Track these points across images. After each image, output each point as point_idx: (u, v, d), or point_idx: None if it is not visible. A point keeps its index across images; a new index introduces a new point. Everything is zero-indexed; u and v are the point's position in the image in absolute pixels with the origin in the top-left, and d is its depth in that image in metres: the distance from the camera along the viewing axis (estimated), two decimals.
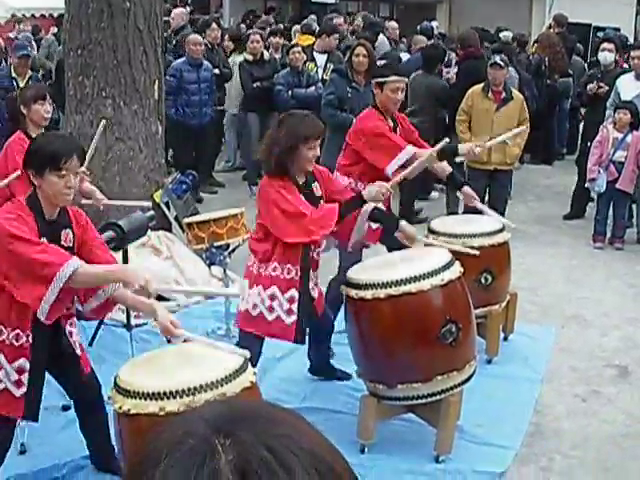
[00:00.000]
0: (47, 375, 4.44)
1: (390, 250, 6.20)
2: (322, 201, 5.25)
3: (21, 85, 9.55)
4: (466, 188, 6.57)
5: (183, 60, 10.93)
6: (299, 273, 5.18)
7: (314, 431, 1.07)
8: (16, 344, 4.21)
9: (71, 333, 4.48)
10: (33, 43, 12.31)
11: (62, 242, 4.24)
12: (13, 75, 9.68)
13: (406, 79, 6.48)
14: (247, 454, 0.97)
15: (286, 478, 0.96)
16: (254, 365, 5.12)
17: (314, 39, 12.19)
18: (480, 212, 6.77)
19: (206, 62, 11.01)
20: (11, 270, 4.02)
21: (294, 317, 5.22)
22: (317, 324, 5.63)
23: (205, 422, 1.03)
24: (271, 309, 5.21)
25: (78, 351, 4.53)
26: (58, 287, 3.93)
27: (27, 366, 4.25)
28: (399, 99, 6.34)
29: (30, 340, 4.21)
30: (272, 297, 5.19)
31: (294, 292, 5.19)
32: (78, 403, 4.73)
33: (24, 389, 4.27)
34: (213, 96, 11.10)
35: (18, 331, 4.20)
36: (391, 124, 6.38)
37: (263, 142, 5.35)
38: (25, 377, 4.26)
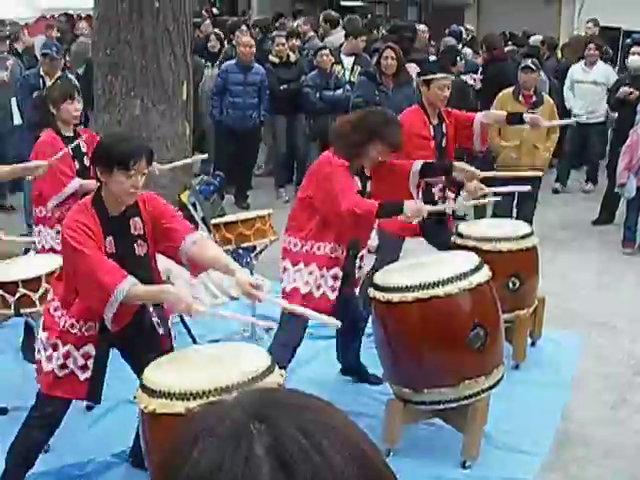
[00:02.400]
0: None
1: (431, 243, 6.35)
2: (369, 182, 5.42)
3: (48, 84, 9.58)
4: (468, 185, 6.40)
5: (233, 61, 10.92)
6: (344, 252, 5.33)
7: (352, 423, 1.06)
8: (86, 334, 4.35)
9: (153, 312, 4.52)
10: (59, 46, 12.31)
11: (132, 231, 4.34)
12: (41, 73, 9.72)
13: (452, 76, 6.49)
14: (283, 438, 0.96)
15: (321, 462, 0.95)
16: (298, 344, 5.36)
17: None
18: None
19: (257, 65, 10.94)
20: (75, 278, 4.20)
21: (336, 293, 5.36)
22: (349, 317, 5.63)
23: (240, 407, 1.02)
24: (319, 286, 5.33)
25: (161, 330, 4.55)
26: (114, 305, 4.05)
27: (93, 352, 4.38)
28: (446, 96, 6.39)
29: (97, 328, 4.33)
30: (321, 274, 5.32)
31: (338, 270, 5.33)
32: None
33: (89, 373, 4.40)
34: (262, 101, 10.90)
35: (90, 323, 4.33)
36: (436, 121, 6.42)
37: (339, 124, 5.43)
38: (91, 362, 4.39)
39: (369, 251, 6.01)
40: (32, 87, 9.68)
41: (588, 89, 11.80)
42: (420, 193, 6.04)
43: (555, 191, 11.96)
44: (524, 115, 6.72)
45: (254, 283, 4.21)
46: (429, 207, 5.38)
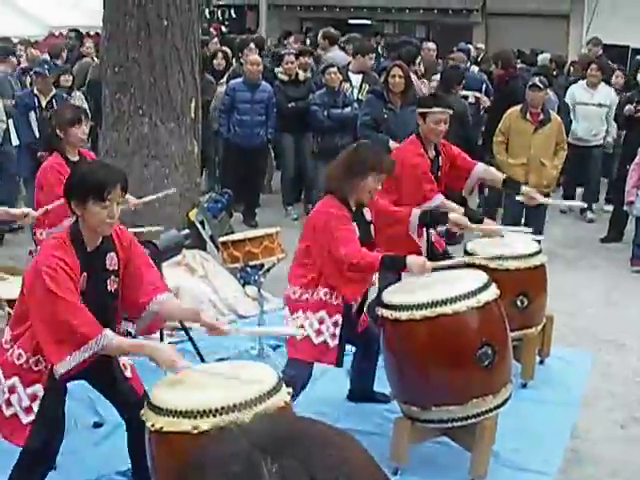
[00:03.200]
0: (74, 392, 4.41)
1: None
2: (372, 226, 5.39)
3: (43, 103, 9.61)
4: (484, 225, 6.35)
5: (240, 80, 10.95)
6: (343, 300, 5.27)
7: (367, 459, 1.03)
8: (35, 369, 4.15)
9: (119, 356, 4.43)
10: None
11: (108, 266, 4.21)
12: (35, 92, 9.73)
13: (450, 111, 6.38)
14: None
15: None
16: (302, 389, 5.24)
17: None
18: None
19: (265, 83, 10.95)
20: (39, 320, 3.99)
21: (337, 341, 5.29)
22: (363, 344, 5.67)
23: (251, 442, 0.99)
24: (319, 333, 5.27)
25: (128, 373, 4.48)
26: (84, 356, 3.93)
27: (40, 393, 4.17)
28: (441, 130, 6.27)
29: (49, 367, 4.12)
30: (321, 321, 5.26)
31: (339, 317, 5.27)
32: (130, 423, 4.57)
33: (32, 417, 4.17)
34: (270, 118, 10.89)
35: (39, 357, 4.12)
36: (433, 154, 6.36)
37: (332, 167, 5.41)
38: (36, 405, 4.16)
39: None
40: (27, 106, 9.69)
41: (592, 111, 11.38)
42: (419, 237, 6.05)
43: (563, 211, 11.89)
44: (522, 187, 6.68)
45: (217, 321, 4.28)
46: (433, 264, 5.26)
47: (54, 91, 9.81)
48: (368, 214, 5.39)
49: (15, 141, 10.05)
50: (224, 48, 13.66)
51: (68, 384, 4.34)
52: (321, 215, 5.19)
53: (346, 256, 5.00)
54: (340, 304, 5.27)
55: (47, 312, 3.93)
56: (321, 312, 5.25)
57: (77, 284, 4.02)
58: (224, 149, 11.27)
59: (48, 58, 12.72)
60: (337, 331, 5.28)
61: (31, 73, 9.93)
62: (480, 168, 6.57)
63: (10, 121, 10.02)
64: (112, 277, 4.24)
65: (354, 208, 5.26)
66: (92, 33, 15.99)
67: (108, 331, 3.97)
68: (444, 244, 6.70)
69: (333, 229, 5.07)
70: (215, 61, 12.15)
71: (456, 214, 5.89)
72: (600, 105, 11.35)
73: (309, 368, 5.40)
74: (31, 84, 10.45)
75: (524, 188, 6.68)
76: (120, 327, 4.38)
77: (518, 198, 6.76)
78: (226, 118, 10.81)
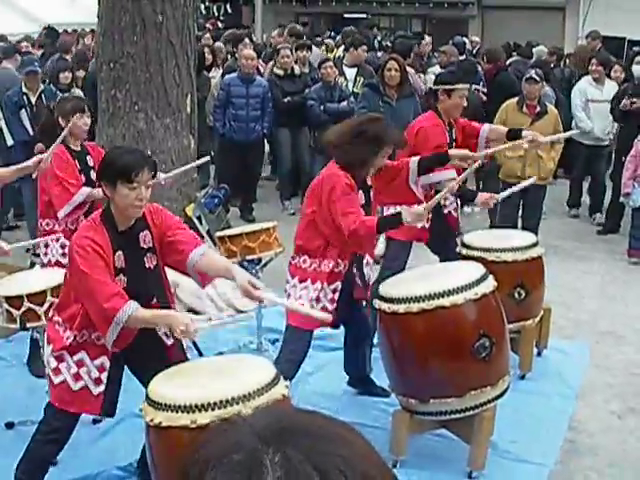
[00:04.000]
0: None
1: (435, 253, 6.39)
2: (371, 191, 5.46)
3: (32, 99, 9.60)
4: (479, 196, 6.54)
5: (235, 74, 10.93)
6: (347, 266, 5.36)
7: (370, 450, 1.03)
8: (97, 343, 4.33)
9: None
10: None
11: (142, 245, 4.36)
12: (24, 90, 9.70)
13: (469, 86, 6.63)
14: (295, 474, 0.94)
15: None
16: (303, 359, 5.35)
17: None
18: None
19: (260, 78, 10.94)
20: (80, 296, 4.23)
21: (335, 304, 5.37)
22: (354, 328, 5.72)
23: (254, 433, 1.00)
24: (318, 300, 5.33)
25: (168, 341, 4.53)
26: (117, 329, 4.09)
27: (107, 365, 4.37)
28: (464, 105, 6.60)
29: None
30: (320, 289, 5.33)
31: (339, 283, 5.36)
32: None
33: (102, 387, 4.39)
34: (266, 113, 10.89)
35: (99, 333, 4.28)
36: (447, 129, 6.53)
37: (338, 133, 5.44)
38: (105, 376, 4.38)
39: (376, 262, 6.03)
40: (17, 105, 9.66)
41: (605, 108, 10.78)
42: (423, 194, 6.12)
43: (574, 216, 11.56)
44: (523, 131, 6.74)
45: (253, 282, 4.22)
46: (425, 205, 5.32)
47: (42, 87, 9.79)
48: (369, 179, 5.44)
49: (10, 141, 10.01)
50: (217, 43, 13.67)
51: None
52: (328, 183, 5.20)
53: (349, 233, 5.06)
54: (341, 271, 5.35)
55: (82, 291, 4.17)
56: (319, 281, 5.32)
57: (109, 262, 4.18)
58: (220, 144, 11.25)
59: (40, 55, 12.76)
60: (336, 296, 5.36)
61: (23, 72, 9.85)
62: (486, 128, 6.75)
63: (2, 122, 9.98)
64: (148, 254, 4.38)
65: (360, 175, 5.29)
66: (88, 30, 15.98)
67: (131, 303, 4.08)
68: (455, 221, 6.75)
69: (337, 200, 5.11)
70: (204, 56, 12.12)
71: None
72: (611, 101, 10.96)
73: (308, 336, 5.44)
74: (45, 82, 10.41)
75: (525, 132, 6.74)
76: (174, 307, 4.54)
77: (475, 207, 6.89)
78: (221, 113, 10.79)
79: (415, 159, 5.95)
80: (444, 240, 6.51)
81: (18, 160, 6.90)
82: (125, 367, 4.55)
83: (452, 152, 6.12)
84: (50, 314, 4.58)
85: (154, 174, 4.40)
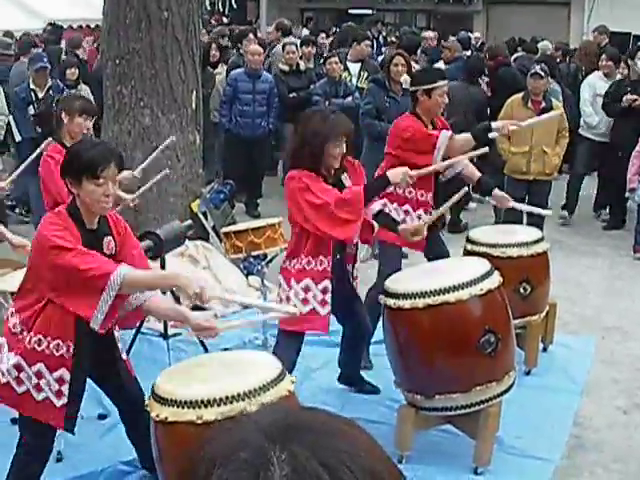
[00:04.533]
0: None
1: (430, 260, 6.18)
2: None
3: (40, 95, 9.60)
4: (496, 191, 6.45)
5: (242, 70, 10.93)
6: (331, 263, 5.23)
7: (374, 445, 1.03)
8: (56, 354, 4.16)
9: (117, 338, 4.50)
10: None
11: (105, 250, 4.19)
12: (32, 87, 9.70)
13: (447, 82, 6.46)
14: (302, 471, 0.94)
15: None
16: (294, 365, 5.24)
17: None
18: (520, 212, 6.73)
19: (266, 73, 10.95)
20: (59, 282, 3.97)
21: (328, 308, 5.28)
22: (351, 327, 5.70)
23: (261, 431, 1.00)
24: (306, 302, 5.24)
25: (124, 355, 4.54)
26: (110, 296, 3.90)
27: (67, 377, 4.21)
28: (445, 102, 6.34)
29: (71, 351, 4.17)
30: (306, 289, 5.24)
31: (327, 283, 5.24)
32: (125, 409, 4.65)
33: (64, 400, 4.23)
34: (272, 109, 10.88)
35: (59, 341, 4.14)
36: (430, 128, 6.30)
37: (290, 142, 5.41)
38: (65, 388, 4.21)
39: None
40: (24, 101, 9.67)
41: None
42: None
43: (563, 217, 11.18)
44: (493, 124, 6.63)
45: (207, 322, 4.07)
46: (414, 172, 5.31)
47: (49, 83, 9.79)
48: (347, 180, 5.32)
49: (18, 138, 10.05)
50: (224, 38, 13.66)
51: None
52: (295, 177, 5.11)
53: (335, 201, 4.96)
54: (326, 269, 5.22)
55: (60, 268, 3.92)
56: (306, 280, 5.22)
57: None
58: (226, 140, 11.26)
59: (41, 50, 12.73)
60: (327, 297, 5.26)
61: (33, 68, 9.84)
62: (465, 160, 6.40)
63: (10, 118, 10.00)
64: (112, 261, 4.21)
65: (330, 175, 5.21)
66: (93, 26, 15.98)
67: (122, 267, 3.95)
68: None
69: (307, 185, 5.02)
70: (210, 52, 12.10)
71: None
72: None
73: (299, 341, 5.39)
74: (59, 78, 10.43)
75: (494, 124, 6.61)
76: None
77: (490, 200, 6.78)
78: (227, 109, 10.80)
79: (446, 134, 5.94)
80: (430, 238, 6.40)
81: (26, 156, 6.95)
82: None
83: (413, 173, 5.55)
84: (7, 317, 4.31)
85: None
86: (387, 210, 5.94)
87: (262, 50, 11.12)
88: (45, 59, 10.00)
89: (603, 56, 11.08)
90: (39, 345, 4.14)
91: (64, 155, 4.40)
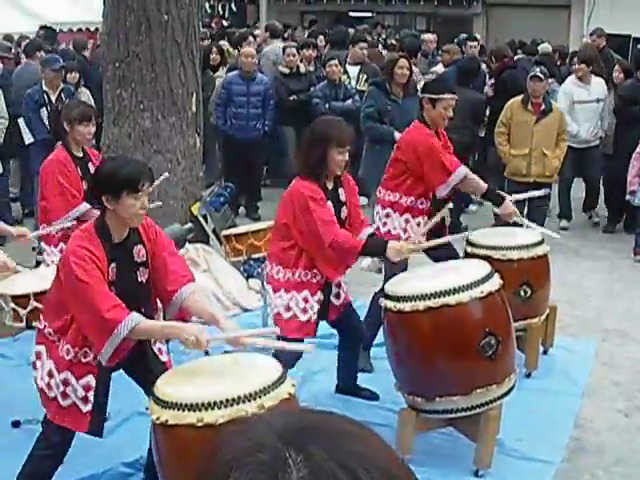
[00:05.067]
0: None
1: (436, 261, 6.21)
2: (345, 207, 5.43)
3: (52, 98, 9.61)
4: (506, 203, 6.40)
5: (236, 72, 10.93)
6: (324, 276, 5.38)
7: (386, 446, 1.04)
8: (83, 361, 4.28)
9: (154, 341, 4.54)
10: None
11: (136, 259, 4.32)
12: (44, 89, 9.70)
13: (457, 96, 6.44)
14: (320, 472, 0.94)
15: None
16: (293, 365, 5.25)
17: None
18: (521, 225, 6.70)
19: (261, 75, 10.93)
20: (74, 307, 4.15)
21: (317, 315, 5.44)
22: (345, 332, 5.75)
23: (275, 433, 0.99)
24: (305, 311, 5.38)
25: (163, 357, 4.57)
26: (117, 342, 4.05)
27: (93, 383, 4.31)
28: (450, 116, 6.34)
29: (95, 358, 4.26)
30: (306, 299, 5.37)
31: (320, 294, 5.40)
32: None
33: (90, 406, 4.33)
34: (267, 111, 10.88)
35: (86, 349, 4.26)
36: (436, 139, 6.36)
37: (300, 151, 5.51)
38: (91, 394, 4.32)
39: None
40: (37, 103, 9.68)
41: (592, 109, 10.35)
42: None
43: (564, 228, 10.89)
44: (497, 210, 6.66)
45: (236, 329, 4.29)
46: (411, 246, 5.45)
47: (62, 85, 9.81)
48: (343, 195, 5.44)
49: (29, 139, 10.04)
50: (222, 42, 13.67)
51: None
52: (299, 195, 5.23)
53: (328, 236, 5.11)
54: (320, 281, 5.38)
55: (80, 301, 4.08)
56: (305, 291, 5.36)
57: (105, 274, 4.13)
58: (222, 142, 11.24)
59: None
60: (318, 308, 5.42)
61: (50, 68, 9.84)
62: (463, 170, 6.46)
63: (20, 120, 10.00)
64: (141, 269, 4.35)
65: (330, 186, 5.33)
66: (92, 29, 15.99)
67: (135, 315, 4.07)
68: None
69: (312, 210, 5.14)
70: (211, 56, 12.11)
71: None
72: (598, 100, 10.39)
73: (295, 359, 5.41)
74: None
75: (507, 203, 6.48)
76: (157, 317, 4.50)
77: (496, 210, 6.72)
78: (222, 111, 10.79)
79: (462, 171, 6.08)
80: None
81: (38, 158, 7.01)
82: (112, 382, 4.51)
83: (411, 247, 5.59)
84: (40, 326, 4.47)
85: (152, 182, 4.41)
86: (389, 219, 6.25)
87: (255, 52, 11.09)
88: (61, 60, 10.01)
89: (575, 59, 10.92)
90: (67, 354, 4.27)
91: (95, 174, 4.53)
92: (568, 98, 10.31)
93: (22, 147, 10.07)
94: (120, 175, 4.17)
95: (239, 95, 10.68)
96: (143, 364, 4.49)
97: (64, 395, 4.32)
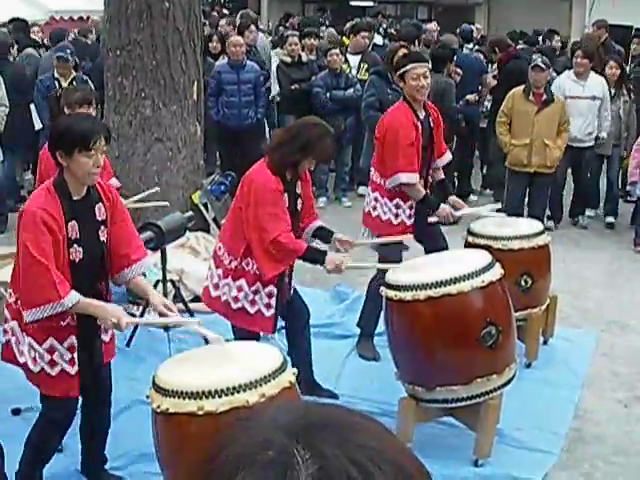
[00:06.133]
0: None
1: (427, 253, 6.20)
2: (300, 199, 5.43)
3: (64, 85, 9.62)
4: (442, 206, 6.27)
5: (225, 61, 10.90)
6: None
7: (394, 438, 1.02)
8: (63, 324, 4.27)
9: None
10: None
11: (97, 217, 4.34)
12: (56, 75, 9.76)
13: (427, 64, 6.35)
14: (330, 467, 0.93)
15: None
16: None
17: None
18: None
19: (251, 63, 10.87)
20: (20, 266, 4.18)
21: (272, 310, 5.38)
22: (290, 316, 5.74)
23: (282, 430, 0.98)
24: (253, 303, 5.34)
25: (105, 337, 4.56)
26: (42, 315, 4.10)
27: (76, 343, 4.32)
28: (423, 85, 6.10)
29: (75, 317, 4.28)
30: (255, 292, 5.34)
31: (272, 288, 5.35)
32: (86, 394, 4.63)
33: (77, 367, 4.35)
34: (259, 98, 10.83)
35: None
36: (423, 114, 6.25)
37: (277, 135, 5.47)
38: (76, 355, 4.33)
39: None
40: (48, 90, 9.72)
41: (585, 105, 9.80)
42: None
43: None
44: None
45: (168, 305, 4.34)
46: (351, 263, 5.42)
47: (74, 74, 9.84)
48: (299, 187, 5.42)
49: (38, 125, 10.10)
50: (223, 29, 13.62)
51: None
52: (258, 186, 5.15)
53: (273, 232, 5.07)
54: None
55: (24, 264, 4.12)
56: (257, 284, 5.32)
57: (59, 235, 4.13)
58: (216, 132, 11.19)
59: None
60: (272, 301, 5.37)
61: (54, 57, 9.92)
62: (445, 159, 6.58)
63: (32, 106, 10.08)
64: (102, 227, 4.37)
65: (289, 178, 5.29)
66: (94, 17, 15.95)
67: (69, 297, 4.09)
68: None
69: (265, 203, 5.09)
70: (211, 44, 12.07)
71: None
72: (594, 98, 9.82)
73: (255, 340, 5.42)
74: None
75: (451, 197, 6.56)
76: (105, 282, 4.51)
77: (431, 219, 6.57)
78: (214, 101, 10.73)
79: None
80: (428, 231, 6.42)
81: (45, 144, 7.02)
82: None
83: (336, 236, 5.68)
84: (10, 300, 4.43)
85: (108, 141, 4.37)
86: (378, 204, 6.24)
87: (242, 41, 11.00)
88: (68, 50, 10.05)
89: (578, 52, 10.15)
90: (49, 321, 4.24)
91: (50, 130, 4.58)
92: (560, 92, 9.78)
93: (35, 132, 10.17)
94: (72, 132, 4.18)
95: (230, 84, 10.62)
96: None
97: (52, 363, 4.31)
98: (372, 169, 6.38)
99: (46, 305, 4.06)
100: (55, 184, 4.23)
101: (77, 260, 4.23)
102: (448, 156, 6.62)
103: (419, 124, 6.17)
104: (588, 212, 10.58)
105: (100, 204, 4.35)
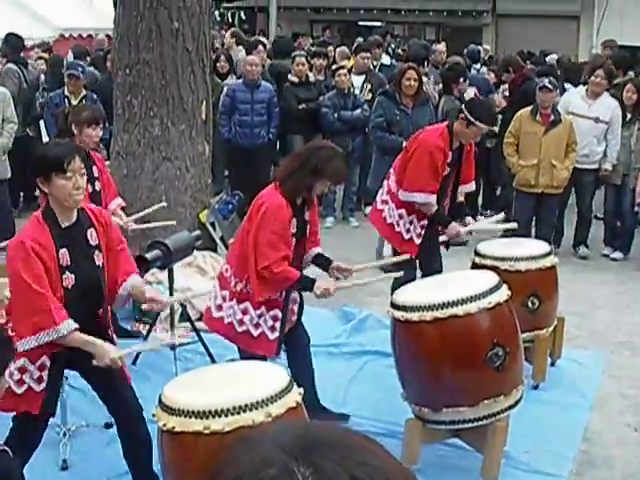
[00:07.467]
0: (88, 392, 4.46)
1: (424, 276, 6.32)
2: (308, 226, 5.42)
3: (74, 103, 9.68)
4: (452, 225, 6.61)
5: (240, 80, 10.94)
6: (283, 294, 5.32)
7: (393, 459, 1.03)
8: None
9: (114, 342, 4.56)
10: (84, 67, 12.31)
11: (90, 242, 4.40)
12: (66, 93, 9.83)
13: (492, 128, 6.71)
14: None
15: None
16: None
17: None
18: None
19: (266, 84, 10.93)
20: (13, 296, 4.27)
21: (276, 333, 5.34)
22: (291, 346, 5.67)
23: (282, 448, 0.98)
24: (257, 326, 5.32)
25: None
26: (36, 343, 4.15)
27: (48, 363, 4.36)
28: (472, 140, 6.63)
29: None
30: (260, 315, 5.31)
31: (277, 311, 5.33)
32: (119, 415, 4.64)
33: (44, 384, 4.36)
34: (272, 118, 10.85)
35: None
36: (456, 144, 6.54)
37: (286, 163, 5.51)
38: (45, 374, 4.36)
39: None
40: (57, 107, 9.77)
41: (587, 126, 9.51)
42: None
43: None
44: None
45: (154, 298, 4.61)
46: (339, 284, 5.43)
47: (84, 92, 9.91)
48: (307, 214, 5.40)
49: (46, 140, 10.19)
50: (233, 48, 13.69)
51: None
52: (268, 208, 5.12)
53: (267, 259, 5.04)
54: (279, 300, 5.32)
55: (18, 293, 4.19)
56: (262, 308, 5.29)
57: (50, 264, 4.18)
58: (227, 150, 11.22)
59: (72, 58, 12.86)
60: (277, 324, 5.34)
61: (65, 74, 10.01)
62: (467, 188, 6.90)
63: (41, 122, 10.17)
64: (96, 252, 4.42)
65: (298, 202, 5.28)
66: (101, 35, 16.04)
67: (65, 324, 4.14)
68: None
69: (268, 229, 5.07)
70: (218, 63, 12.11)
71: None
72: (597, 120, 9.54)
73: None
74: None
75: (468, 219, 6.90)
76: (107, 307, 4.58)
77: (442, 238, 6.78)
78: (227, 119, 10.78)
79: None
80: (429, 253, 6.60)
81: None
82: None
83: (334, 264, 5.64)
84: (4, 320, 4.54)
85: (85, 162, 4.46)
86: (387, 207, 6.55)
87: (258, 61, 11.07)
88: (79, 68, 10.13)
89: (598, 72, 9.70)
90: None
91: (32, 159, 4.60)
92: (564, 107, 9.74)
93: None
94: (46, 157, 4.30)
95: (243, 103, 10.68)
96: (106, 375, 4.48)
97: (20, 382, 4.34)
98: (391, 170, 6.69)
99: (41, 332, 4.11)
100: (44, 213, 4.33)
101: (70, 287, 4.27)
102: (471, 186, 6.94)
103: (450, 153, 6.47)
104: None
105: (92, 229, 4.42)
